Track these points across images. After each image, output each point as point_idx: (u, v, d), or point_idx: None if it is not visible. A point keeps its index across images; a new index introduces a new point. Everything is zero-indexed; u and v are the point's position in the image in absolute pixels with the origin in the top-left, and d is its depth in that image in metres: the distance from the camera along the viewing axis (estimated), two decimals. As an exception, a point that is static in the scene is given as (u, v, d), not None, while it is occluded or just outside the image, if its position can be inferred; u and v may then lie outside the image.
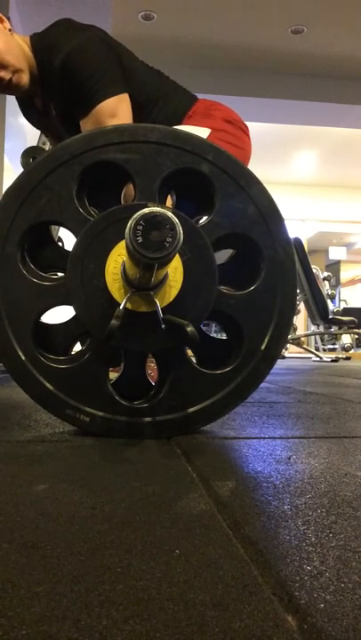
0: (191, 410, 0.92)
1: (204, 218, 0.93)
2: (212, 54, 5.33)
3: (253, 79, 5.63)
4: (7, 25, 1.39)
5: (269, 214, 0.92)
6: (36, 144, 2.58)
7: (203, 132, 1.41)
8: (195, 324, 0.83)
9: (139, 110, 1.43)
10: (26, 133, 5.31)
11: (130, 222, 0.70)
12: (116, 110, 1.34)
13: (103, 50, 1.36)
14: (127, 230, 0.70)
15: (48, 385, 0.90)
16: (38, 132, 2.89)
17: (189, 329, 0.78)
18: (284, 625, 0.33)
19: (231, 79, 5.55)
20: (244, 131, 1.58)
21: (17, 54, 1.36)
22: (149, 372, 1.14)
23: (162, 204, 0.94)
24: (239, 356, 0.93)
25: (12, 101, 4.54)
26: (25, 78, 1.39)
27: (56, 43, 1.35)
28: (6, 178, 4.04)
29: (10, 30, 1.39)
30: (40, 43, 1.39)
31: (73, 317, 0.95)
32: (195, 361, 0.98)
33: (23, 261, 0.91)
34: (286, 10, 4.75)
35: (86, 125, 1.36)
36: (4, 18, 1.39)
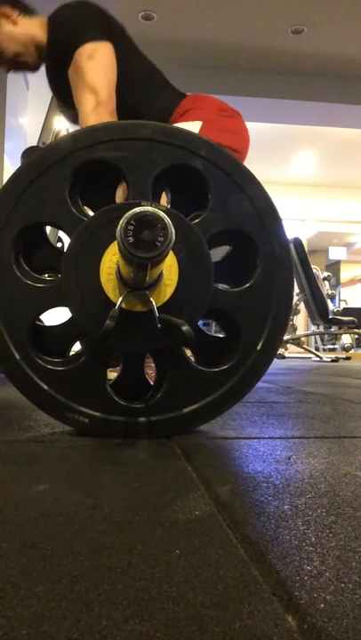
0: (189, 409, 0.92)
1: (199, 214, 0.93)
2: (212, 54, 5.32)
3: (253, 79, 5.62)
4: (13, 15, 1.51)
5: (265, 209, 0.92)
6: (35, 144, 2.58)
7: (195, 126, 1.43)
8: (191, 323, 0.82)
9: (124, 103, 1.45)
10: (26, 134, 5.31)
11: (121, 222, 0.69)
12: (94, 53, 1.37)
13: (89, 7, 1.45)
14: (118, 230, 0.69)
15: (46, 387, 0.89)
16: (38, 131, 2.89)
17: (185, 328, 0.78)
18: (284, 625, 0.33)
19: (231, 79, 5.55)
20: (235, 116, 1.58)
21: (17, 40, 1.50)
22: (149, 371, 1.14)
23: (156, 201, 0.94)
24: (237, 353, 0.93)
25: (11, 102, 4.54)
26: (29, 59, 1.53)
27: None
28: (6, 178, 4.03)
29: (21, 14, 1.52)
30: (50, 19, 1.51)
31: (70, 319, 0.94)
32: (193, 359, 0.98)
33: (17, 263, 0.90)
34: (286, 10, 4.75)
35: (71, 75, 1.40)
36: (8, 12, 1.50)
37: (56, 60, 1.46)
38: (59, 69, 1.45)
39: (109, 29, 1.45)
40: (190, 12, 4.81)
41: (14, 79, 4.48)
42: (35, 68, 1.60)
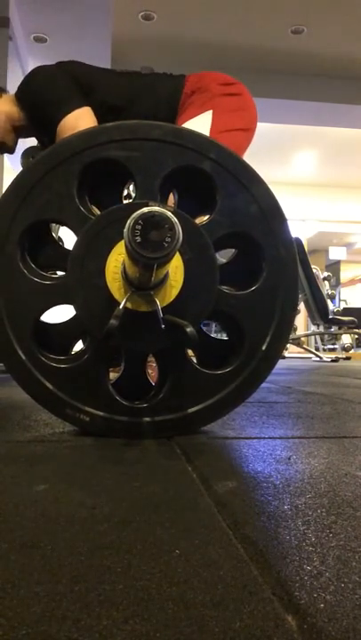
0: (191, 410, 0.92)
1: (206, 216, 0.93)
2: (212, 54, 5.32)
3: (253, 79, 5.61)
4: None
5: (272, 213, 0.92)
6: (35, 144, 2.57)
7: (207, 116, 1.47)
8: (195, 324, 0.82)
9: (117, 112, 1.49)
10: (26, 133, 5.29)
11: (128, 222, 0.70)
12: (77, 124, 1.40)
13: (48, 74, 1.48)
14: (126, 230, 0.70)
15: (48, 384, 0.90)
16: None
17: (189, 329, 0.78)
18: (284, 625, 0.33)
19: (231, 79, 5.54)
20: (241, 92, 1.63)
21: None
22: (150, 371, 1.14)
23: (163, 202, 0.94)
24: (240, 356, 0.93)
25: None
26: (7, 139, 1.56)
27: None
28: (6, 178, 4.03)
29: None
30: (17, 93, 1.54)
31: (73, 317, 0.95)
32: (195, 361, 0.98)
33: (23, 260, 0.91)
34: (286, 10, 4.75)
35: None
36: None
37: (42, 130, 1.53)
38: (46, 131, 1.50)
39: (81, 84, 1.48)
40: (190, 12, 4.81)
41: (14, 80, 4.47)
42: (13, 150, 1.63)
